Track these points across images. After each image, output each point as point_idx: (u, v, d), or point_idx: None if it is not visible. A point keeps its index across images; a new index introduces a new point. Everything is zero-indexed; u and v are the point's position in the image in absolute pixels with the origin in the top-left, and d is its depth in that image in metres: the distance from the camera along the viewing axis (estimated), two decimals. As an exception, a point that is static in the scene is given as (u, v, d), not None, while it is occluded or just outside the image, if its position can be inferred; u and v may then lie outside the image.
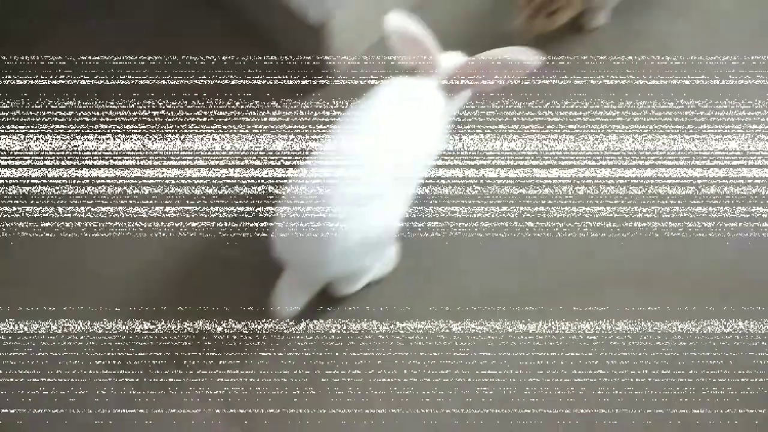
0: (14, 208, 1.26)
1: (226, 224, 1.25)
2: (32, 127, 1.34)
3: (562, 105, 1.33)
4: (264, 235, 1.17)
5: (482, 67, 1.14)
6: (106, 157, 1.31)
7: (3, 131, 1.33)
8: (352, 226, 1.06)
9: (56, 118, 1.35)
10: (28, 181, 1.29)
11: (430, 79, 1.18)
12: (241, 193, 1.28)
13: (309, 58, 1.36)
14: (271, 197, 1.25)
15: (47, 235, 1.24)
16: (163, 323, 1.17)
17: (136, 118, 1.35)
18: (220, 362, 1.15)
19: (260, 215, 1.24)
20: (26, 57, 1.41)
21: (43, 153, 1.31)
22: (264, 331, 1.16)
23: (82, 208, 1.26)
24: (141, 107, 1.37)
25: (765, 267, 1.21)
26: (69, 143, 1.32)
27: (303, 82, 1.38)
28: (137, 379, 1.13)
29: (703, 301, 1.17)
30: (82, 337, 1.16)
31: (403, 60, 1.19)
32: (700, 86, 1.35)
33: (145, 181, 1.29)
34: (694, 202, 1.25)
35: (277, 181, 1.27)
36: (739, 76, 1.37)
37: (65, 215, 1.26)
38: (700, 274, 1.21)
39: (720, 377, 1.12)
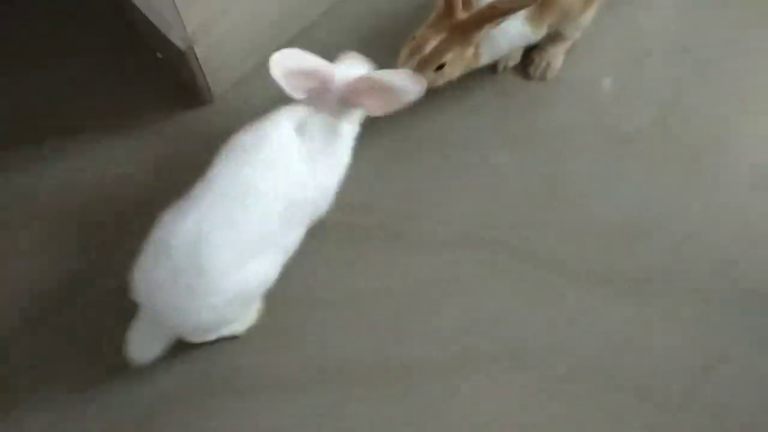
0: None
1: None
2: None
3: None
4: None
5: (371, 86, 1.03)
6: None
7: None
8: (231, 278, 0.96)
9: None
10: None
11: (324, 100, 1.06)
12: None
13: (184, 77, 1.27)
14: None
15: None
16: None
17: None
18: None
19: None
20: None
21: None
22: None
23: None
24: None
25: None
26: None
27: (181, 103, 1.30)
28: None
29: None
30: None
31: (297, 94, 1.05)
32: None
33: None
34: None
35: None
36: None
37: None
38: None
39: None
